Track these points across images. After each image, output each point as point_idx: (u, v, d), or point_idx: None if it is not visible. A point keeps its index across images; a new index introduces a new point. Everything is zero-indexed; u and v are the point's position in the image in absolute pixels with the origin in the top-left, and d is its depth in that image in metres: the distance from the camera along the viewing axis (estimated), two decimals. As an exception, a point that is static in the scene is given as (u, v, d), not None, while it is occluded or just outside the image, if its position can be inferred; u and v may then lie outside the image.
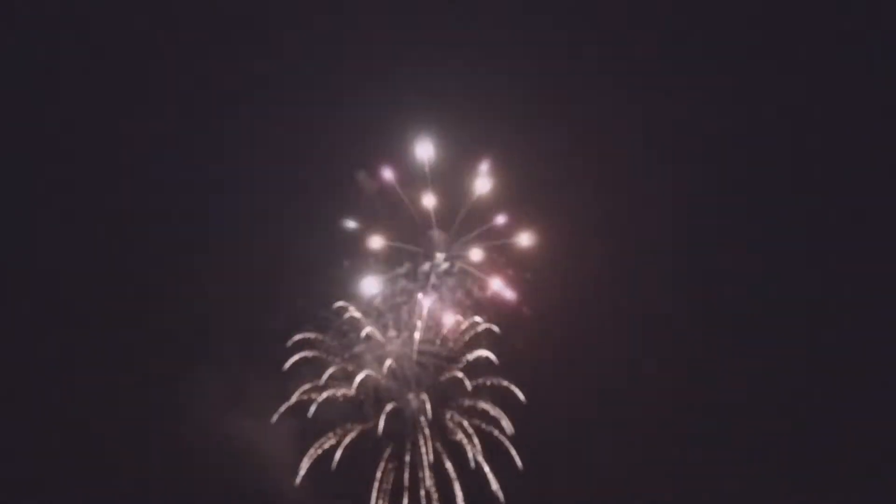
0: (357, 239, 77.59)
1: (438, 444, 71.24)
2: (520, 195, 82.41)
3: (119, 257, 75.01)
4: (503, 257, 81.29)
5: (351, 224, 78.30)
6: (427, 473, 69.64)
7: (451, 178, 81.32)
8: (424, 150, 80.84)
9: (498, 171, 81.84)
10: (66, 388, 69.62)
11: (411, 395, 71.09)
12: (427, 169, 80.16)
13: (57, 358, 70.85)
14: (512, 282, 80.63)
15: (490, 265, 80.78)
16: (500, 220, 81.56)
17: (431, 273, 76.65)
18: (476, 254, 79.75)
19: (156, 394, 69.41)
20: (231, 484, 66.53)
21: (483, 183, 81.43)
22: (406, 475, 69.93)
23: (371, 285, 75.56)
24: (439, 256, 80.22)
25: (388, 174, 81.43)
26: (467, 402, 72.18)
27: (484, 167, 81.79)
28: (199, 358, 70.53)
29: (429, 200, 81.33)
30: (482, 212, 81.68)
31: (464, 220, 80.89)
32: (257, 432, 68.82)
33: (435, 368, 72.82)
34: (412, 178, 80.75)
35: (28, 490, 66.06)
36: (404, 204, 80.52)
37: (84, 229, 75.09)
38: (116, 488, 67.58)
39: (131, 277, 74.28)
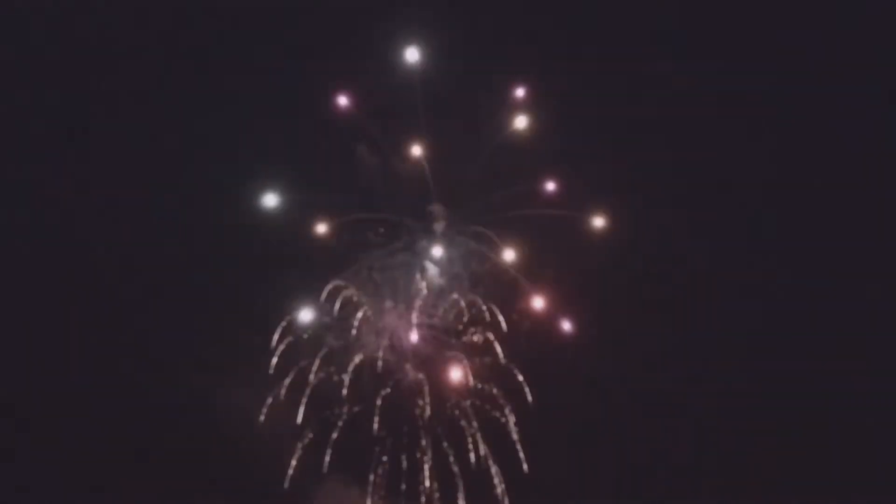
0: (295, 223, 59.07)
1: (437, 424, 61.73)
2: (571, 151, 56.24)
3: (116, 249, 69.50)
4: (549, 253, 54.46)
5: (271, 201, 57.51)
6: (426, 454, 61.09)
7: (455, 116, 55.14)
8: (412, 58, 54.04)
9: (537, 105, 55.11)
10: (61, 378, 65.96)
11: (408, 367, 62.00)
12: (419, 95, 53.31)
13: (54, 348, 66.57)
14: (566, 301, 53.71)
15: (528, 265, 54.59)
16: (550, 186, 54.61)
17: (426, 260, 58.55)
18: (509, 254, 55.44)
19: (152, 378, 66.00)
20: (223, 469, 62.58)
21: (520, 120, 54.42)
22: (404, 458, 61.93)
23: (307, 314, 59.35)
24: (437, 252, 56.35)
25: (344, 101, 55.45)
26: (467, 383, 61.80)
27: (520, 92, 54.60)
28: (194, 341, 64.90)
29: (416, 149, 55.55)
30: (505, 174, 55.11)
31: (468, 185, 56.28)
32: (250, 416, 62.10)
33: (434, 343, 61.16)
34: (395, 114, 55.62)
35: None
36: (379, 153, 56.20)
37: (81, 224, 69.25)
38: (116, 482, 63.40)
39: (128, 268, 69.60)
